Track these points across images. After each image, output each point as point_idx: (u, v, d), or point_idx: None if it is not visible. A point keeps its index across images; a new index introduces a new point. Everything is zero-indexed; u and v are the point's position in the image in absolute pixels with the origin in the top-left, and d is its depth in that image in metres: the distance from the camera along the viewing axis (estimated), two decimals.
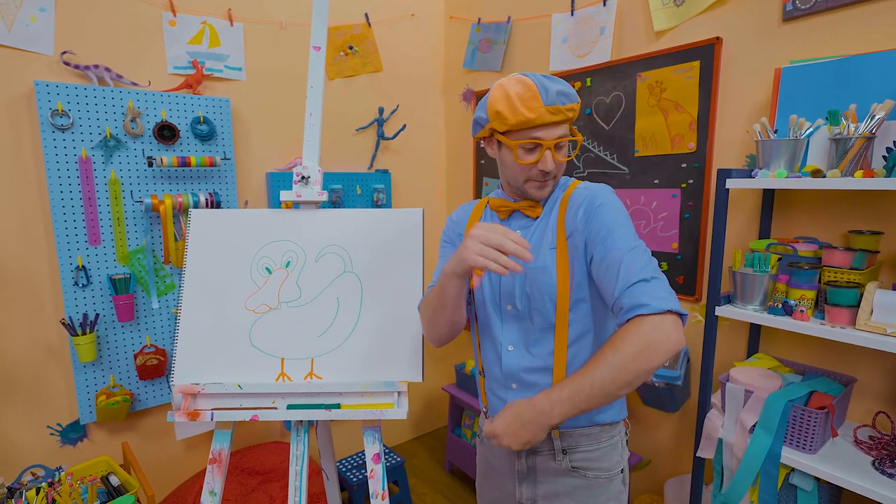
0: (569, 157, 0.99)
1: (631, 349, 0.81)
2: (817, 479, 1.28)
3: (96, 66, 1.74)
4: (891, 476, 1.18)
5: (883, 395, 1.40)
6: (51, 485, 1.50)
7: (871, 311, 1.19)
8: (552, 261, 0.97)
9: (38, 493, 1.47)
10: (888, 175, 1.15)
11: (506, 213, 1.06)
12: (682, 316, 0.84)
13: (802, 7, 1.44)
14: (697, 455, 1.49)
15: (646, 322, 0.81)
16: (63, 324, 1.70)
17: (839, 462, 1.25)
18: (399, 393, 1.25)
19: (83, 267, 1.75)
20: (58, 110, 1.66)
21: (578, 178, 1.08)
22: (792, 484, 1.32)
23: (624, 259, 0.87)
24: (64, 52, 1.70)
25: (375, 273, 1.34)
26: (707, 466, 1.61)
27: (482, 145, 1.05)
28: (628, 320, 0.84)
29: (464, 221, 1.14)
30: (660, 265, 1.87)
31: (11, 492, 1.49)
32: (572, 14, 2.07)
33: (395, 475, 2.27)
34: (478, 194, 2.65)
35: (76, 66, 1.71)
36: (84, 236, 1.76)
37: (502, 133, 0.96)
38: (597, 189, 0.98)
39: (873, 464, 1.23)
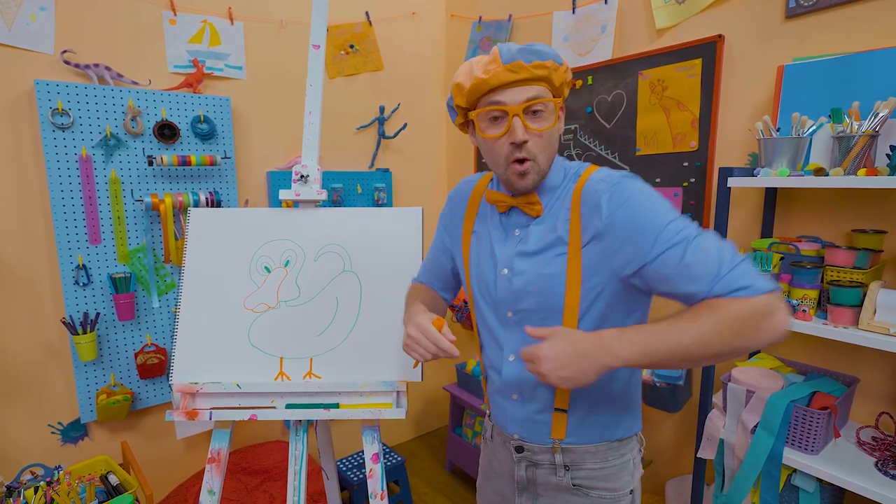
0: (549, 126, 0.83)
1: (740, 312, 0.71)
2: (819, 480, 1.27)
3: (96, 65, 1.74)
4: (894, 477, 1.17)
5: (886, 396, 1.39)
6: (49, 484, 1.50)
7: (875, 311, 1.18)
8: (562, 267, 0.86)
9: (36, 493, 1.47)
10: (892, 173, 1.13)
11: (504, 208, 0.94)
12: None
13: (805, 4, 1.43)
14: (699, 455, 1.48)
15: (753, 299, 0.72)
16: (64, 323, 1.70)
17: (842, 463, 1.24)
18: (398, 392, 1.24)
19: (83, 266, 1.76)
20: (58, 109, 1.66)
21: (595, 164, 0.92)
22: (794, 485, 1.31)
23: (686, 256, 0.75)
24: (64, 51, 1.70)
25: (375, 272, 1.34)
26: (708, 467, 1.60)
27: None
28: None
29: (462, 204, 1.04)
30: None
31: (10, 491, 1.49)
32: (573, 12, 2.06)
33: (396, 474, 2.27)
34: None
35: (76, 65, 1.71)
36: (84, 235, 1.76)
37: (467, 108, 0.86)
38: (617, 183, 0.81)
39: (876, 465, 1.22)
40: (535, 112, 0.82)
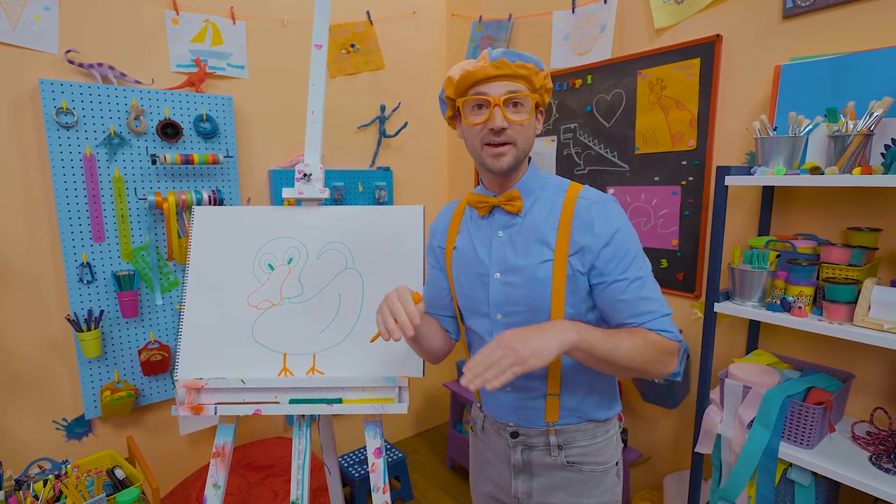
0: (526, 118, 0.92)
1: (660, 345, 0.89)
2: (815, 474, 1.29)
3: (100, 65, 1.76)
4: (888, 471, 1.19)
5: (880, 391, 1.41)
6: (58, 477, 1.52)
7: (869, 308, 1.20)
8: (548, 273, 0.93)
9: (45, 486, 1.49)
10: (886, 172, 1.15)
11: (485, 210, 1.01)
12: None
13: (802, 4, 1.44)
14: (696, 450, 1.50)
15: (670, 342, 0.91)
16: (68, 320, 1.71)
17: (837, 457, 1.26)
18: (400, 388, 1.26)
19: (88, 264, 1.77)
20: (62, 108, 1.67)
21: (578, 182, 1.02)
22: (790, 479, 1.33)
23: (643, 290, 0.91)
24: (68, 51, 1.71)
25: (376, 269, 1.36)
26: (706, 462, 1.62)
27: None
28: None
29: (443, 226, 1.11)
30: (660, 262, 1.88)
31: (19, 484, 1.51)
32: (573, 12, 2.08)
33: (397, 470, 2.29)
34: None
35: (80, 65, 1.73)
36: (88, 233, 1.77)
37: (454, 98, 0.94)
38: (607, 205, 0.93)
39: (870, 459, 1.24)
40: (514, 104, 0.91)
